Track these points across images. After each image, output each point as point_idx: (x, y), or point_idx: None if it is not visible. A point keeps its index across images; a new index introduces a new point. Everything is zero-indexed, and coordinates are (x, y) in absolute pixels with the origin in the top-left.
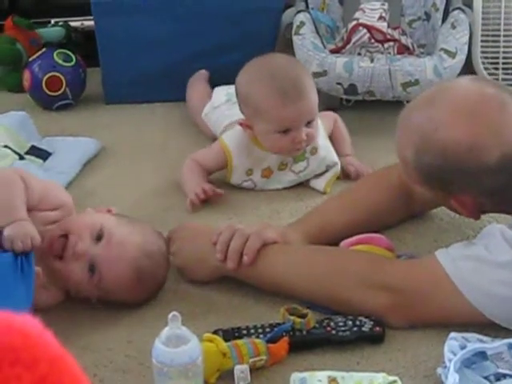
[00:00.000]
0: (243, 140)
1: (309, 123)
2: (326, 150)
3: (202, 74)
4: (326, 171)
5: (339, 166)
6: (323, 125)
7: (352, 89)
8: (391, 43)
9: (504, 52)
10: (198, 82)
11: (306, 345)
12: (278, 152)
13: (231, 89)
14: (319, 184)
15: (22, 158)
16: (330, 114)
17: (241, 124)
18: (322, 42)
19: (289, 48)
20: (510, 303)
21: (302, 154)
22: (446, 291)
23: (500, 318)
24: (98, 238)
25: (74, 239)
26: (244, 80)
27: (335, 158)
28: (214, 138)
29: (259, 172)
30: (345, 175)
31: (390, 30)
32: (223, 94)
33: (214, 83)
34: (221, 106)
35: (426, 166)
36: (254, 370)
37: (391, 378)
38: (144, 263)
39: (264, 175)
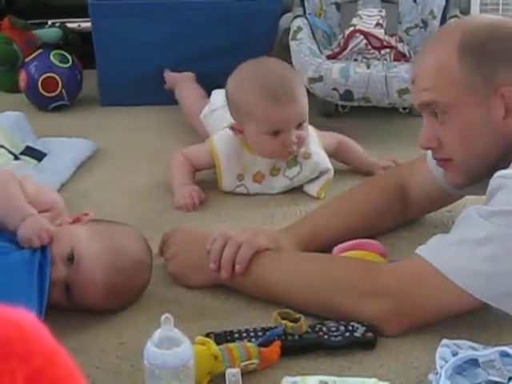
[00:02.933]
0: (233, 144)
1: (299, 126)
2: (318, 155)
3: (190, 76)
4: (319, 177)
5: (332, 172)
6: (322, 141)
7: (348, 95)
8: (388, 50)
9: None
10: (188, 83)
11: (297, 349)
12: (268, 155)
13: None
14: (312, 189)
15: (16, 158)
16: (332, 133)
17: (232, 128)
18: (319, 48)
19: (286, 53)
20: (495, 277)
21: (294, 159)
22: (436, 284)
23: (490, 297)
24: (70, 259)
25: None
26: (234, 84)
27: (328, 164)
28: None
29: (250, 177)
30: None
31: (386, 37)
32: (221, 97)
33: (210, 87)
34: (218, 109)
35: (475, 49)
36: (246, 373)
37: None
38: (117, 280)
39: (256, 180)
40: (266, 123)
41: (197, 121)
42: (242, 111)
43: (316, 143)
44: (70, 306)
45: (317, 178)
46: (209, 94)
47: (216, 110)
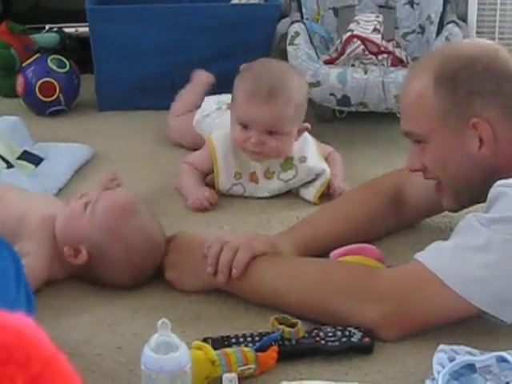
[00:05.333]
0: (230, 142)
1: (272, 134)
2: (315, 160)
3: (206, 78)
4: (316, 180)
5: (328, 174)
6: (319, 147)
7: (345, 100)
8: (385, 55)
9: None
10: (193, 89)
11: (294, 354)
12: (238, 146)
13: (222, 97)
14: (308, 194)
15: (10, 166)
16: (326, 146)
17: (227, 106)
18: (316, 53)
19: (283, 58)
20: (492, 284)
21: (289, 162)
22: (433, 290)
23: (487, 304)
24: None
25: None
26: (240, 70)
27: (324, 165)
28: None
29: (247, 176)
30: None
31: (384, 42)
32: (214, 102)
33: (210, 93)
34: (211, 113)
35: (449, 80)
36: (243, 378)
37: None
38: (137, 200)
39: (252, 179)
40: (237, 112)
41: (180, 136)
42: (232, 95)
43: (313, 148)
44: (78, 230)
45: (313, 180)
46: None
47: (208, 115)
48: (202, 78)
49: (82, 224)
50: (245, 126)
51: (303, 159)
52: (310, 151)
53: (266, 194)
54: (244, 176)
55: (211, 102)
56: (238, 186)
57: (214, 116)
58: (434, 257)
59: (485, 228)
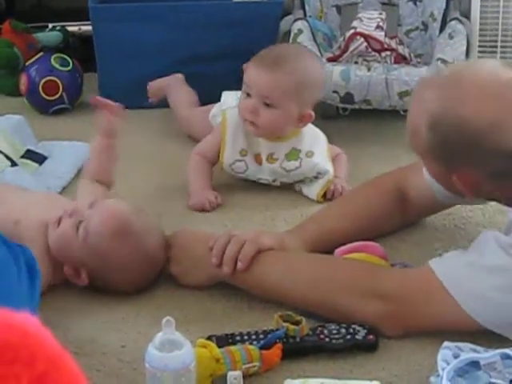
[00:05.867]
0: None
1: (268, 105)
2: (321, 157)
3: (179, 78)
4: (317, 178)
5: (331, 175)
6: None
7: (348, 97)
8: (388, 52)
9: None
10: (178, 88)
11: (299, 352)
12: (240, 117)
13: (240, 94)
14: (311, 192)
15: (14, 164)
16: (336, 147)
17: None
18: (320, 50)
19: None
20: (503, 308)
21: (295, 153)
22: (440, 300)
23: (494, 325)
24: (91, 206)
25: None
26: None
27: (329, 166)
28: None
29: (252, 155)
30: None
31: (387, 40)
32: (234, 97)
33: (211, 90)
34: (229, 108)
35: (439, 136)
36: (247, 376)
37: None
38: (130, 217)
39: (256, 160)
40: (244, 77)
41: (194, 127)
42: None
43: (322, 147)
44: (75, 252)
45: (316, 179)
46: (209, 97)
47: (226, 109)
48: (170, 79)
49: (75, 248)
50: (248, 94)
51: (310, 154)
52: (319, 149)
53: (267, 177)
54: (249, 154)
55: (231, 97)
56: (241, 162)
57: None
58: (448, 268)
59: (503, 251)
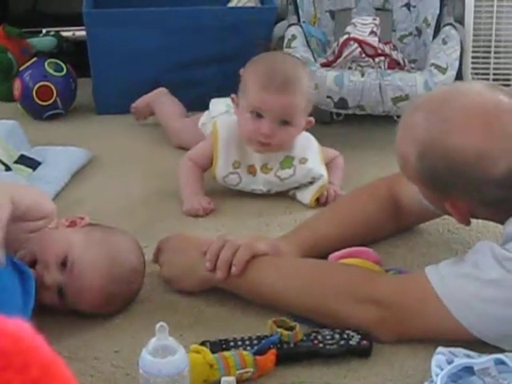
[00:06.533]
0: (234, 130)
1: (284, 124)
2: (314, 162)
3: (163, 91)
4: (312, 183)
5: (325, 179)
6: (322, 153)
7: (342, 103)
8: (382, 58)
9: (494, 68)
10: (164, 101)
11: (293, 357)
12: (245, 136)
13: (229, 101)
14: (305, 197)
15: (8, 168)
16: (333, 150)
17: (232, 99)
18: (313, 56)
19: None
20: (498, 321)
21: (289, 161)
22: (433, 308)
23: (488, 337)
24: (64, 264)
25: (40, 270)
26: (249, 62)
27: (323, 171)
28: None
29: (245, 167)
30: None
31: (381, 45)
32: (223, 104)
33: (204, 94)
34: (219, 116)
35: (428, 167)
36: (241, 382)
37: None
38: (111, 289)
39: (250, 171)
40: (251, 101)
41: (185, 138)
42: (242, 85)
43: (315, 152)
44: (62, 308)
45: (310, 184)
46: (203, 102)
47: (215, 117)
48: (155, 94)
49: (62, 305)
50: (257, 115)
51: (304, 161)
52: (312, 154)
53: (261, 188)
54: (242, 166)
55: (220, 105)
56: (234, 174)
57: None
58: (443, 278)
59: (498, 264)
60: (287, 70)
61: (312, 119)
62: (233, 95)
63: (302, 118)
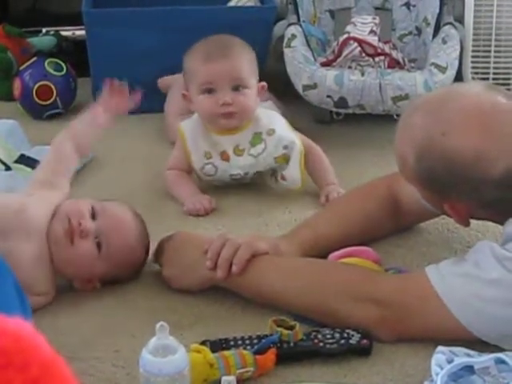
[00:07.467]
0: (198, 125)
1: (237, 89)
2: (282, 130)
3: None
4: (288, 156)
5: (298, 146)
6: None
7: (342, 102)
8: (382, 57)
9: (494, 67)
10: (176, 92)
11: (293, 357)
12: (207, 118)
13: None
14: (294, 175)
15: (8, 168)
16: (304, 137)
17: (183, 96)
18: (313, 55)
19: (280, 61)
20: (498, 321)
21: (258, 137)
22: (434, 308)
23: (489, 336)
24: (93, 216)
25: (76, 222)
26: (185, 55)
27: (293, 137)
28: None
29: (218, 155)
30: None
31: (380, 44)
32: None
33: None
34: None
35: (427, 168)
36: (241, 381)
37: None
38: (139, 229)
39: (223, 158)
40: (198, 80)
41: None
42: (186, 75)
43: (281, 122)
44: (96, 268)
45: (285, 157)
46: None
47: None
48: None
49: (97, 265)
50: (209, 91)
51: (271, 132)
52: (278, 124)
53: (239, 171)
54: (214, 155)
55: None
56: (209, 165)
57: None
58: (444, 278)
59: (498, 264)
60: (222, 39)
61: (264, 83)
62: (183, 92)
63: (252, 78)
